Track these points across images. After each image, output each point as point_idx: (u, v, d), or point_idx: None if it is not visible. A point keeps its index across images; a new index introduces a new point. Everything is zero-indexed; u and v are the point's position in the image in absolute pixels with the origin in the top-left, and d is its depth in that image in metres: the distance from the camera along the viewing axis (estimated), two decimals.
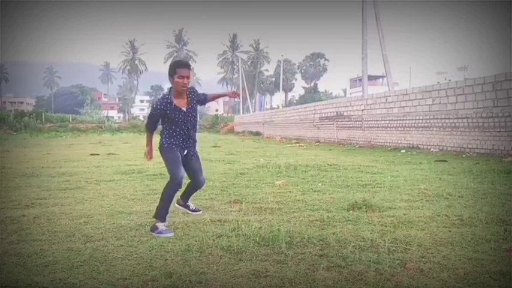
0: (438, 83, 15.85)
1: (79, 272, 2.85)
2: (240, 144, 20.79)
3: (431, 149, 14.04)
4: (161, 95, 4.30)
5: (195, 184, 4.46)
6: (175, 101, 4.15)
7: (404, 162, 10.38)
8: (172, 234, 3.78)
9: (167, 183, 4.14)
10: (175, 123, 4.15)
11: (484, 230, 3.77)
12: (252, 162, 10.06)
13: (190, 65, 4.22)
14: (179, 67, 4.08)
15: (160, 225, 3.87)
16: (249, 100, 67.83)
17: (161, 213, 3.98)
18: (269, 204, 5.06)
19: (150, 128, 4.27)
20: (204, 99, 4.49)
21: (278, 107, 64.30)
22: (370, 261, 2.97)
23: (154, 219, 4.00)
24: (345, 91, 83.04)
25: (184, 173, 4.15)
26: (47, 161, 11.30)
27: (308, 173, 8.07)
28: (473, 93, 12.45)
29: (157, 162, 10.39)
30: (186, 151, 4.26)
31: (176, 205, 4.54)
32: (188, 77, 4.09)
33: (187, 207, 4.62)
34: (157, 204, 4.17)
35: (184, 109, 4.19)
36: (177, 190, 4.10)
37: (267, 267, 2.89)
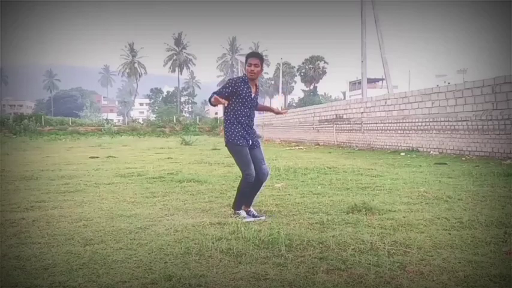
0: (437, 85, 15.87)
1: (78, 275, 2.85)
2: None
3: (431, 152, 14.04)
4: (239, 76, 4.63)
5: (258, 175, 4.54)
6: (251, 72, 4.49)
7: (404, 165, 10.38)
8: (248, 219, 4.36)
9: (241, 181, 4.53)
10: (242, 104, 4.49)
11: (484, 232, 3.77)
12: None
13: (260, 55, 4.62)
14: (249, 56, 4.52)
15: (242, 212, 4.50)
16: None
17: (238, 204, 4.56)
18: (269, 207, 5.06)
19: (219, 91, 4.45)
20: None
21: None
22: (370, 264, 2.97)
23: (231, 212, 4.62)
24: (344, 94, 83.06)
25: (253, 169, 4.46)
26: (47, 164, 11.29)
27: (308, 175, 8.07)
28: (472, 96, 12.47)
29: (157, 166, 10.41)
30: (250, 141, 4.54)
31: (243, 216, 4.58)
32: (256, 65, 4.46)
33: (249, 213, 4.57)
34: (157, 207, 4.76)
35: (253, 95, 4.56)
36: (251, 184, 4.49)
37: (266, 270, 2.88)
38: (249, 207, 4.64)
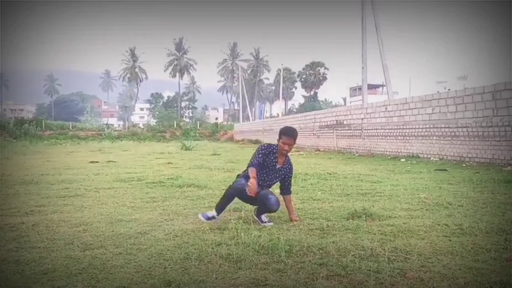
0: (438, 92, 15.90)
1: (78, 279, 2.84)
2: (239, 153, 20.78)
3: (431, 158, 14.04)
4: (267, 145, 4.74)
5: (266, 205, 4.52)
6: (284, 147, 4.61)
7: (404, 171, 10.38)
8: (205, 221, 4.40)
9: (229, 186, 4.62)
10: (263, 169, 4.63)
11: (484, 239, 3.76)
12: None
13: (295, 135, 4.67)
14: (285, 135, 4.60)
15: (210, 213, 4.52)
16: (248, 108, 67.92)
17: (218, 206, 4.52)
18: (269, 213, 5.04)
19: (253, 164, 4.53)
20: (287, 191, 4.86)
21: (278, 116, 64.41)
22: (370, 270, 2.96)
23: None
24: (344, 100, 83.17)
25: (243, 185, 4.43)
26: (47, 168, 11.29)
27: (308, 181, 8.07)
28: (473, 102, 12.49)
29: (157, 171, 10.41)
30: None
31: (253, 214, 4.71)
32: (291, 145, 4.61)
33: (260, 219, 4.60)
34: (156, 212, 4.82)
35: (278, 166, 4.70)
36: (233, 194, 4.47)
37: (266, 276, 2.88)
38: (260, 215, 4.63)
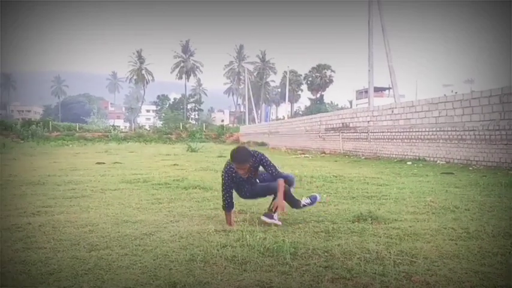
0: (445, 95, 15.83)
1: (83, 280, 2.86)
2: None
3: (438, 161, 13.97)
4: (228, 166, 4.67)
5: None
6: (238, 171, 4.63)
7: (411, 174, 10.33)
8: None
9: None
10: (238, 184, 4.75)
11: (491, 243, 3.74)
12: None
13: (243, 161, 4.53)
14: (234, 161, 4.53)
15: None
16: (254, 111, 67.93)
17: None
18: None
19: (228, 203, 4.64)
20: (276, 177, 4.70)
21: (284, 118, 64.37)
22: (375, 273, 2.95)
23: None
24: (351, 102, 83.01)
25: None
26: (53, 169, 11.36)
27: (313, 184, 8.06)
28: (480, 105, 12.41)
29: (163, 172, 10.43)
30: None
31: (262, 217, 4.67)
32: (243, 169, 4.57)
33: (272, 217, 4.62)
34: (162, 213, 4.79)
35: (245, 177, 4.71)
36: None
37: (271, 278, 2.88)
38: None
